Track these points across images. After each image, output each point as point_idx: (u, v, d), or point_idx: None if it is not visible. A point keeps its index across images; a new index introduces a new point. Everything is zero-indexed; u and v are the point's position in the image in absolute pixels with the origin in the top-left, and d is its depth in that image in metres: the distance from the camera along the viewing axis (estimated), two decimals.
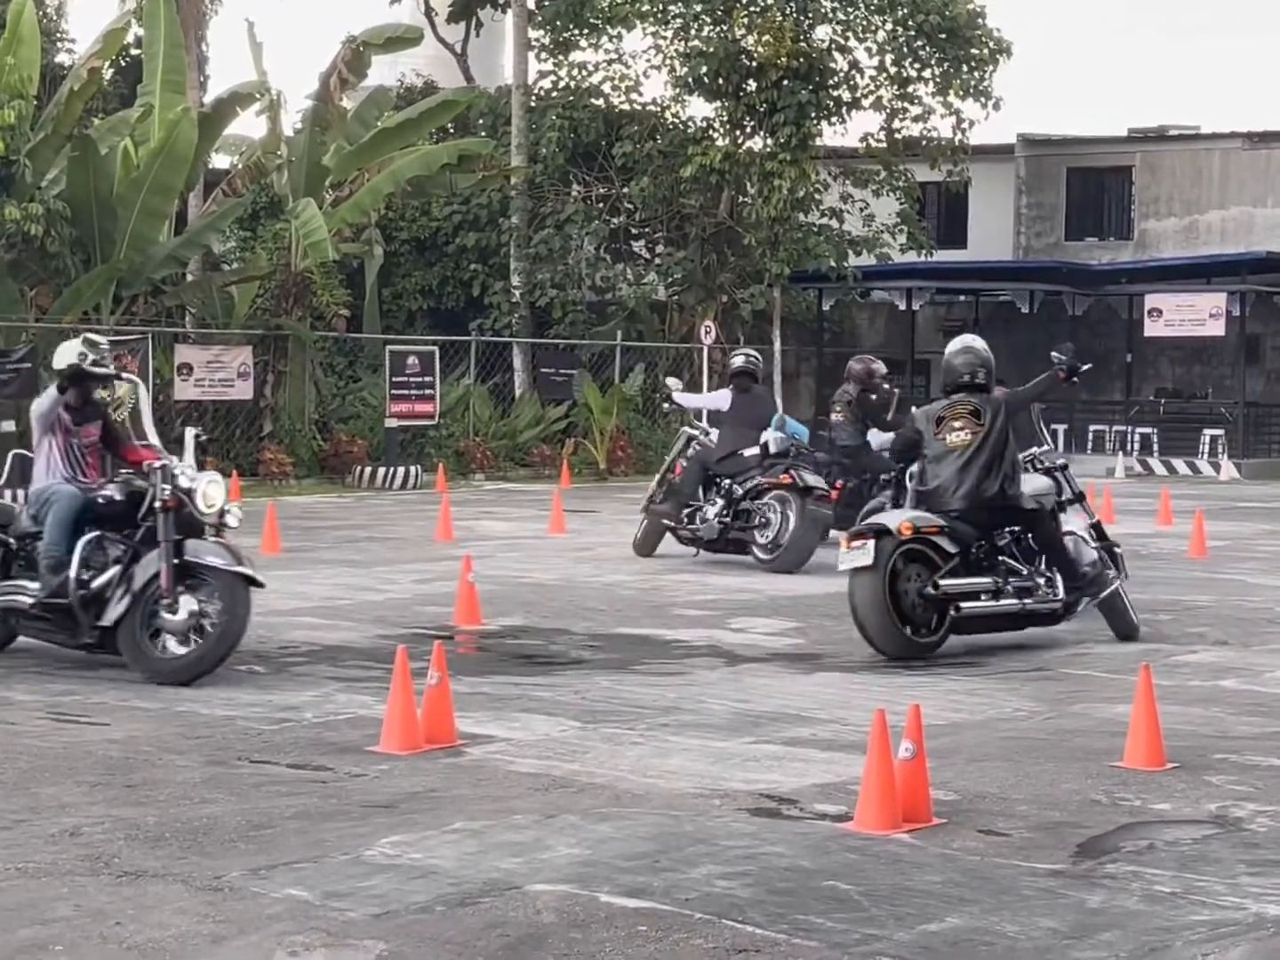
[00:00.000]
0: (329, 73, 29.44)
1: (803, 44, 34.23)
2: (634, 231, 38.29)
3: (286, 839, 7.14)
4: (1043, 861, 6.96)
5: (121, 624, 10.79)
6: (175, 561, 10.75)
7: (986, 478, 12.27)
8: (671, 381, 20.21)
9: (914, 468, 12.73)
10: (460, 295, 37.30)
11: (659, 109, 36.62)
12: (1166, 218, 38.81)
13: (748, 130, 35.17)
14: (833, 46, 35.31)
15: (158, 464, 11.06)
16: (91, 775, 8.22)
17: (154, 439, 11.89)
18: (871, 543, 11.71)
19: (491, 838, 7.19)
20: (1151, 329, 35.94)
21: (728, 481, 17.32)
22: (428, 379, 30.52)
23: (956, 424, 12.41)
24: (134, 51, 33.81)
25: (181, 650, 10.77)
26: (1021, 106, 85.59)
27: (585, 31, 36.59)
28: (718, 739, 9.21)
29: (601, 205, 36.77)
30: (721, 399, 18.25)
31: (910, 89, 36.06)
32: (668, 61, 35.97)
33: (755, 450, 17.25)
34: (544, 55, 36.90)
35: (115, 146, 28.05)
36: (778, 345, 36.32)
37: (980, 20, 35.65)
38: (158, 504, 10.88)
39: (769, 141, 34.56)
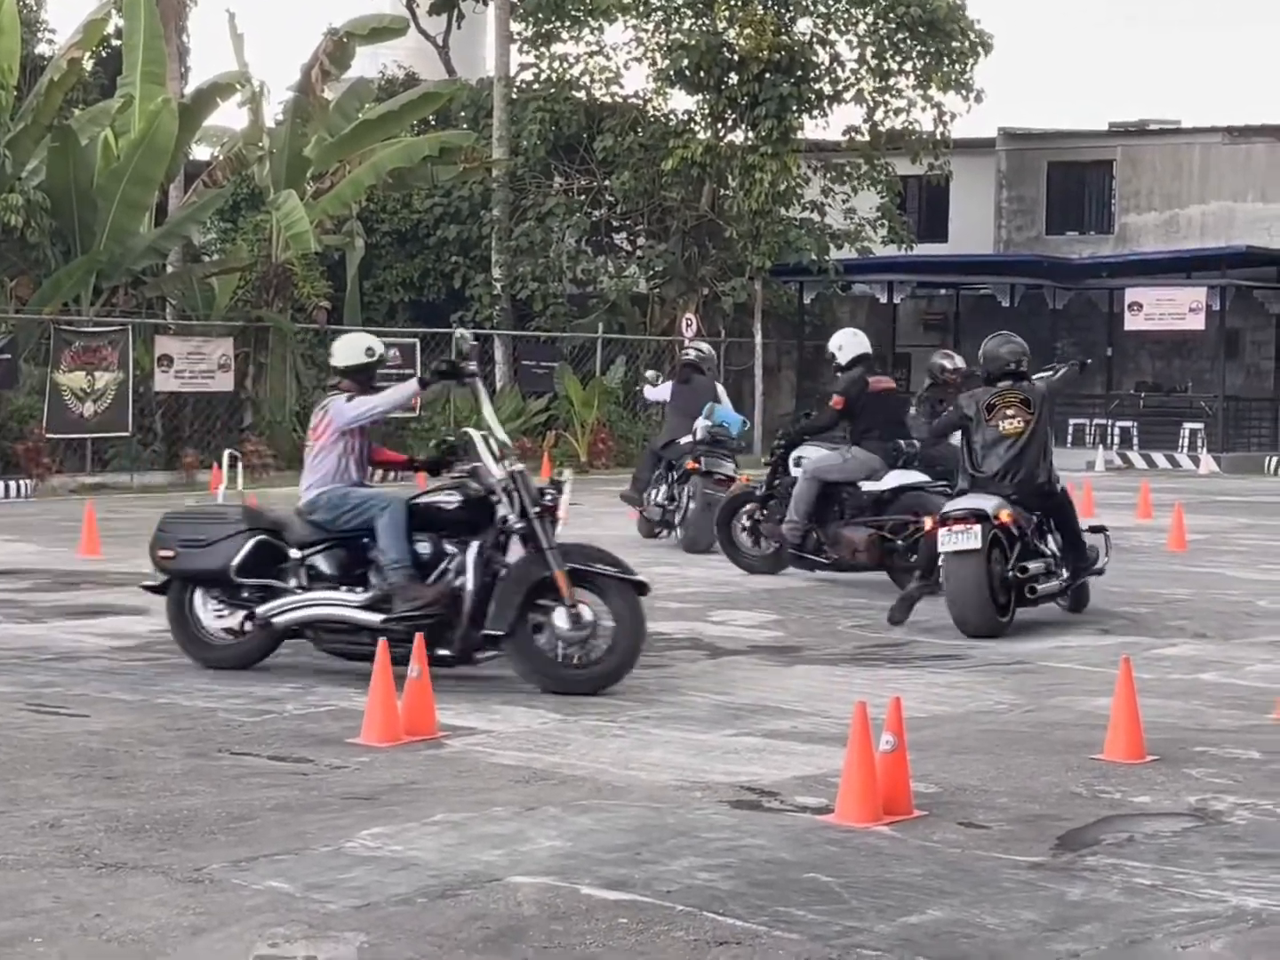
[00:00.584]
0: (310, 64, 29.38)
1: (784, 37, 34.23)
2: (615, 224, 38.28)
3: (267, 831, 7.13)
4: (1023, 854, 6.98)
5: (515, 633, 10.29)
6: (568, 568, 10.33)
7: (1038, 464, 12.99)
8: (650, 374, 20.94)
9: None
10: (441, 287, 37.26)
11: (640, 102, 36.61)
12: (1147, 212, 38.88)
13: (729, 123, 35.17)
14: (814, 39, 35.32)
15: (516, 467, 10.66)
16: (72, 767, 8.20)
17: (501, 435, 11.21)
18: (978, 527, 12.22)
19: (472, 830, 7.19)
20: (1132, 323, 36.02)
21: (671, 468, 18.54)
22: (409, 371, 30.46)
23: (1009, 411, 13.03)
24: (114, 42, 33.71)
25: (575, 657, 10.37)
26: (1002, 100, 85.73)
27: (567, 24, 36.56)
28: (699, 731, 9.21)
29: (583, 198, 36.75)
30: (665, 391, 19.67)
31: (891, 82, 36.07)
32: (649, 54, 35.97)
33: (689, 438, 18.38)
34: (525, 47, 36.87)
35: (95, 137, 27.97)
36: (759, 338, 36.34)
37: (961, 13, 35.67)
38: (534, 509, 10.44)
39: (750, 134, 34.57)
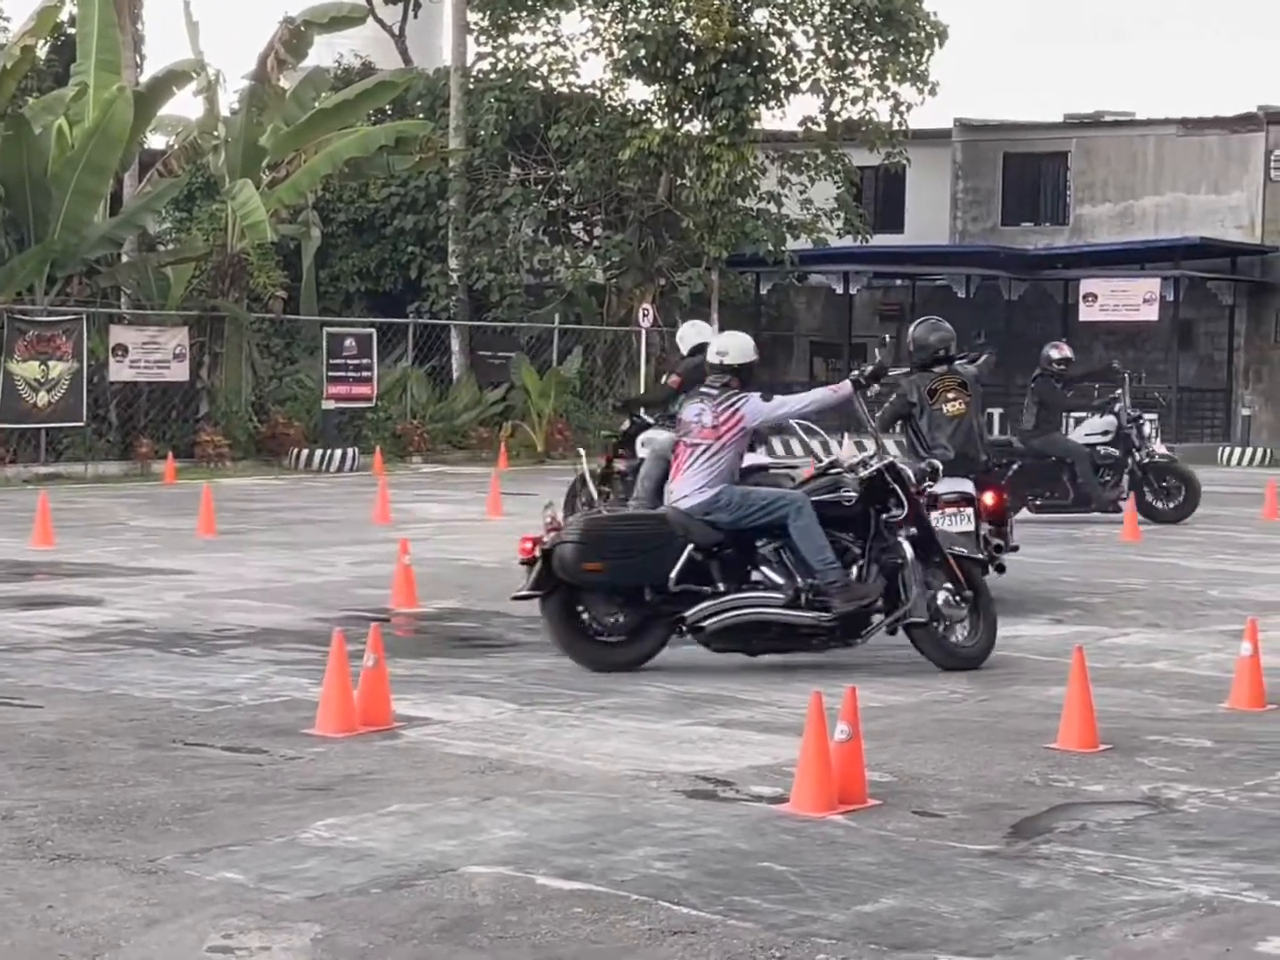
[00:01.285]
0: (266, 53, 29.25)
1: (741, 27, 34.21)
2: (572, 214, 38.23)
3: (221, 822, 7.11)
4: (977, 842, 7.00)
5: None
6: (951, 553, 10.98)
7: (978, 444, 13.59)
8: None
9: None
10: (398, 277, 37.18)
11: (597, 92, 36.56)
12: (1102, 203, 39.01)
13: (686, 113, 35.13)
14: (771, 30, 35.30)
15: (886, 461, 11.06)
16: (25, 758, 8.16)
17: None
18: (969, 510, 12.56)
19: (427, 820, 7.18)
20: (1086, 314, 36.16)
21: None
22: (365, 361, 30.43)
23: (950, 395, 13.47)
24: (69, 30, 33.48)
25: (965, 638, 10.99)
26: (958, 92, 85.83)
27: (523, 14, 36.44)
28: (654, 721, 9.22)
29: (539, 188, 36.69)
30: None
31: (848, 72, 36.09)
32: (606, 44, 35.90)
33: None
34: (482, 37, 36.75)
35: (49, 126, 27.78)
36: (715, 329, 36.28)
37: (917, 4, 35.69)
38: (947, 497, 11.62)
39: (707, 125, 34.55)
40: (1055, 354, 20.96)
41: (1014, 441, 20.64)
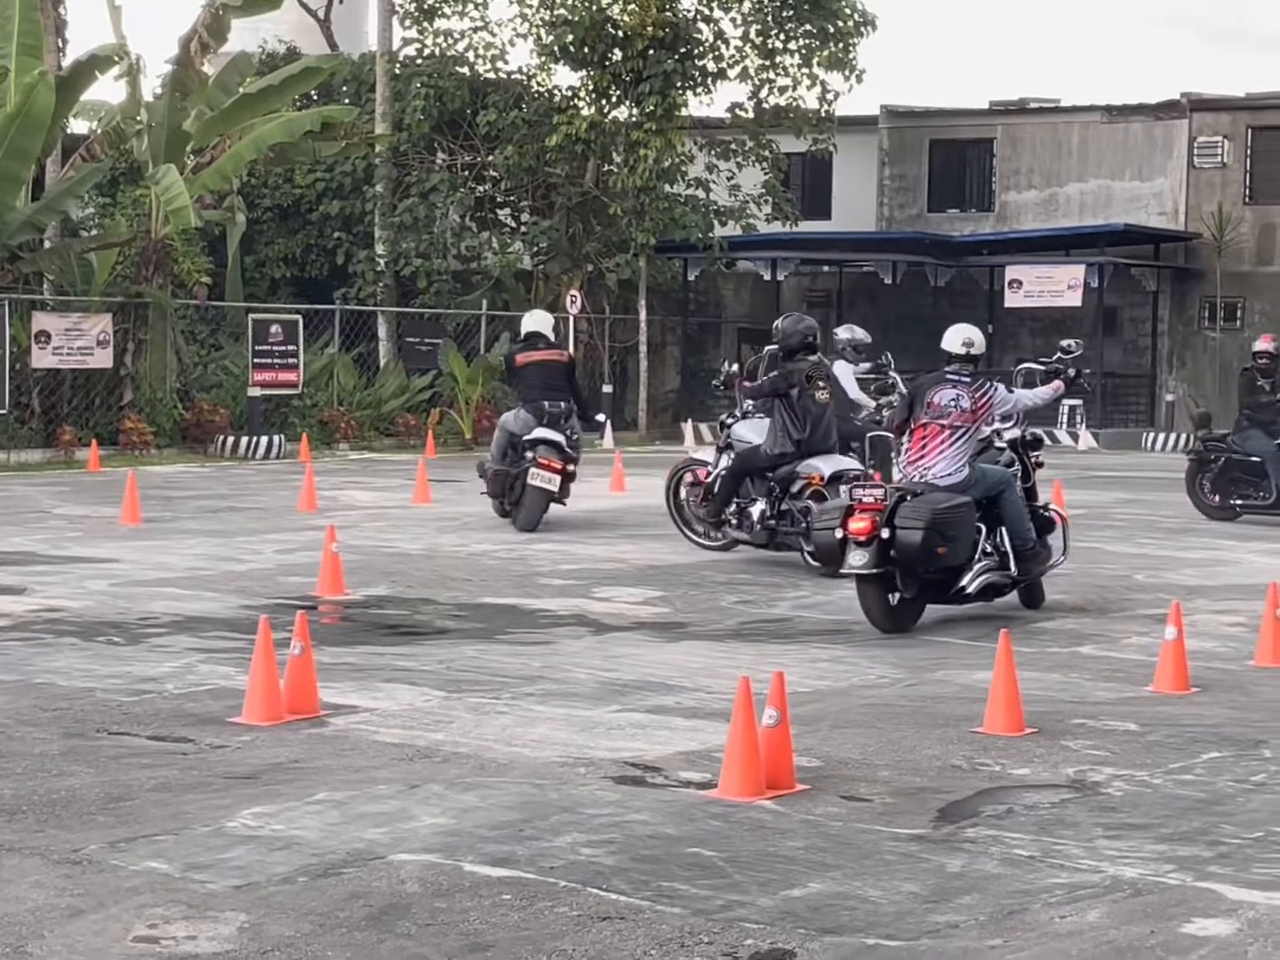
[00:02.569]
0: (189, 36, 29.00)
1: (668, 13, 34.21)
2: (499, 200, 38.15)
3: (146, 811, 7.07)
4: (904, 826, 7.03)
5: None
6: None
7: (834, 429, 15.14)
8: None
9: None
10: (324, 263, 37.01)
11: (525, 78, 36.49)
12: (1027, 190, 39.22)
13: (613, 99, 35.12)
14: (698, 16, 35.32)
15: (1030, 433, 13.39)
16: None
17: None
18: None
19: (355, 808, 7.16)
20: (1012, 300, 36.38)
21: None
22: (291, 348, 30.28)
23: (820, 384, 14.98)
24: None
25: None
26: (885, 78, 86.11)
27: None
28: (583, 708, 9.22)
29: (467, 174, 36.60)
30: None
31: (776, 60, 36.14)
32: (533, 30, 35.84)
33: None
34: (409, 22, 36.61)
35: None
36: (643, 315, 36.34)
37: None
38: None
39: (635, 111, 34.54)
40: (1257, 346, 20.37)
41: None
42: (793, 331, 15.18)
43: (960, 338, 12.82)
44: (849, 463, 15.07)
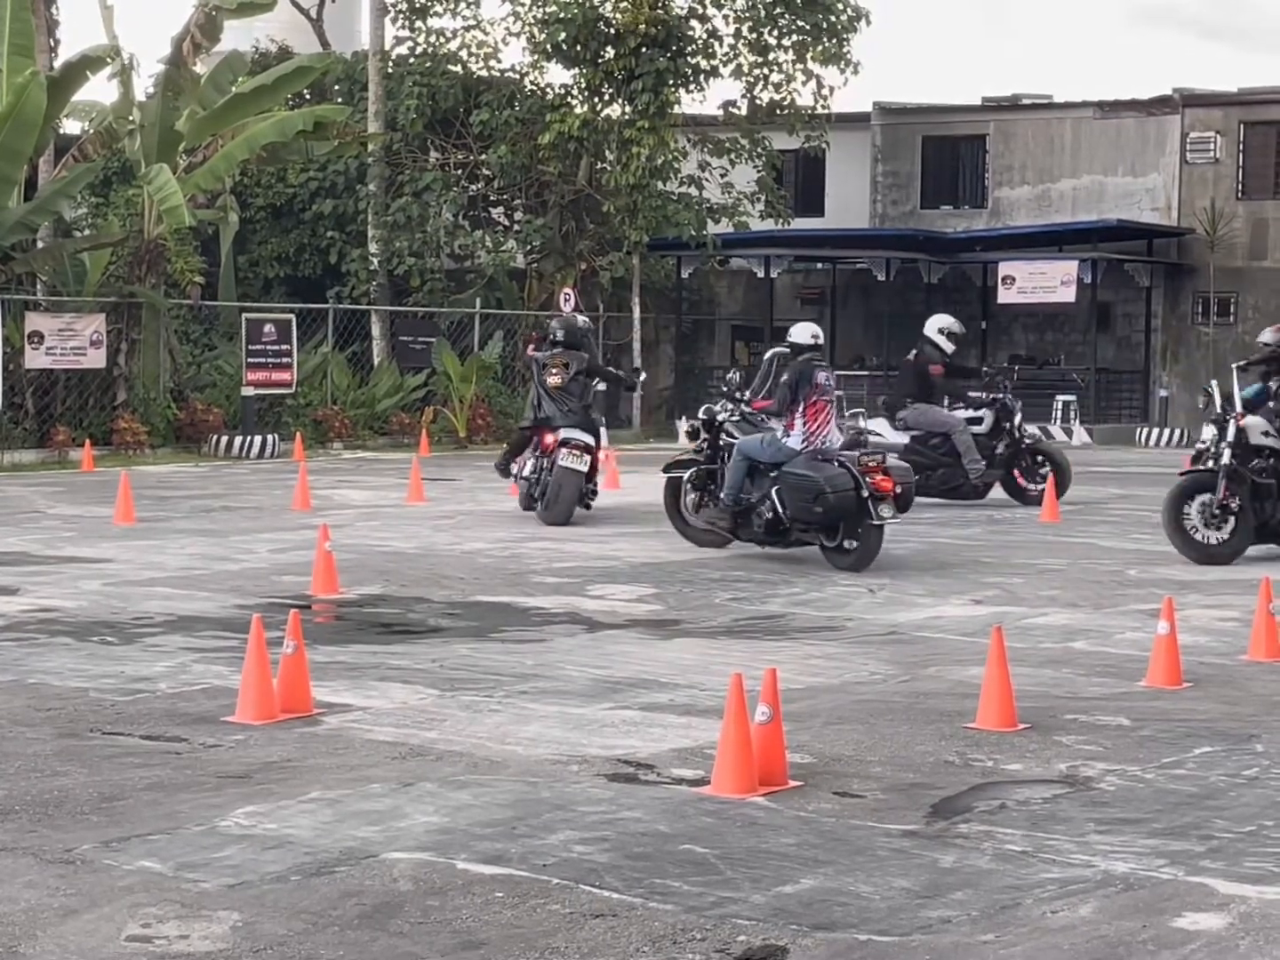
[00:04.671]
0: (181, 36, 29.01)
1: (660, 11, 34.20)
2: (493, 199, 38.15)
3: (139, 811, 7.07)
4: (897, 822, 7.04)
5: None
6: None
7: (564, 407, 18.26)
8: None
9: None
10: (317, 263, 36.99)
11: (517, 76, 36.48)
12: (1020, 186, 39.23)
13: (606, 97, 35.11)
14: (691, 14, 35.31)
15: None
16: None
17: None
18: (588, 457, 18.09)
19: (348, 807, 7.16)
20: (1005, 296, 36.37)
21: None
22: (284, 347, 30.27)
23: (554, 370, 18.31)
24: None
25: None
26: (877, 75, 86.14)
27: None
28: (576, 705, 9.22)
29: (460, 172, 36.59)
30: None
31: (770, 56, 36.13)
32: (526, 28, 35.82)
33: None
34: (401, 21, 36.60)
35: None
36: (637, 313, 36.35)
37: None
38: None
39: (627, 109, 34.53)
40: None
41: None
42: (563, 328, 18.64)
43: (809, 332, 15.42)
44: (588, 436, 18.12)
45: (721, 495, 15.56)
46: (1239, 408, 15.69)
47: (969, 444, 19.84)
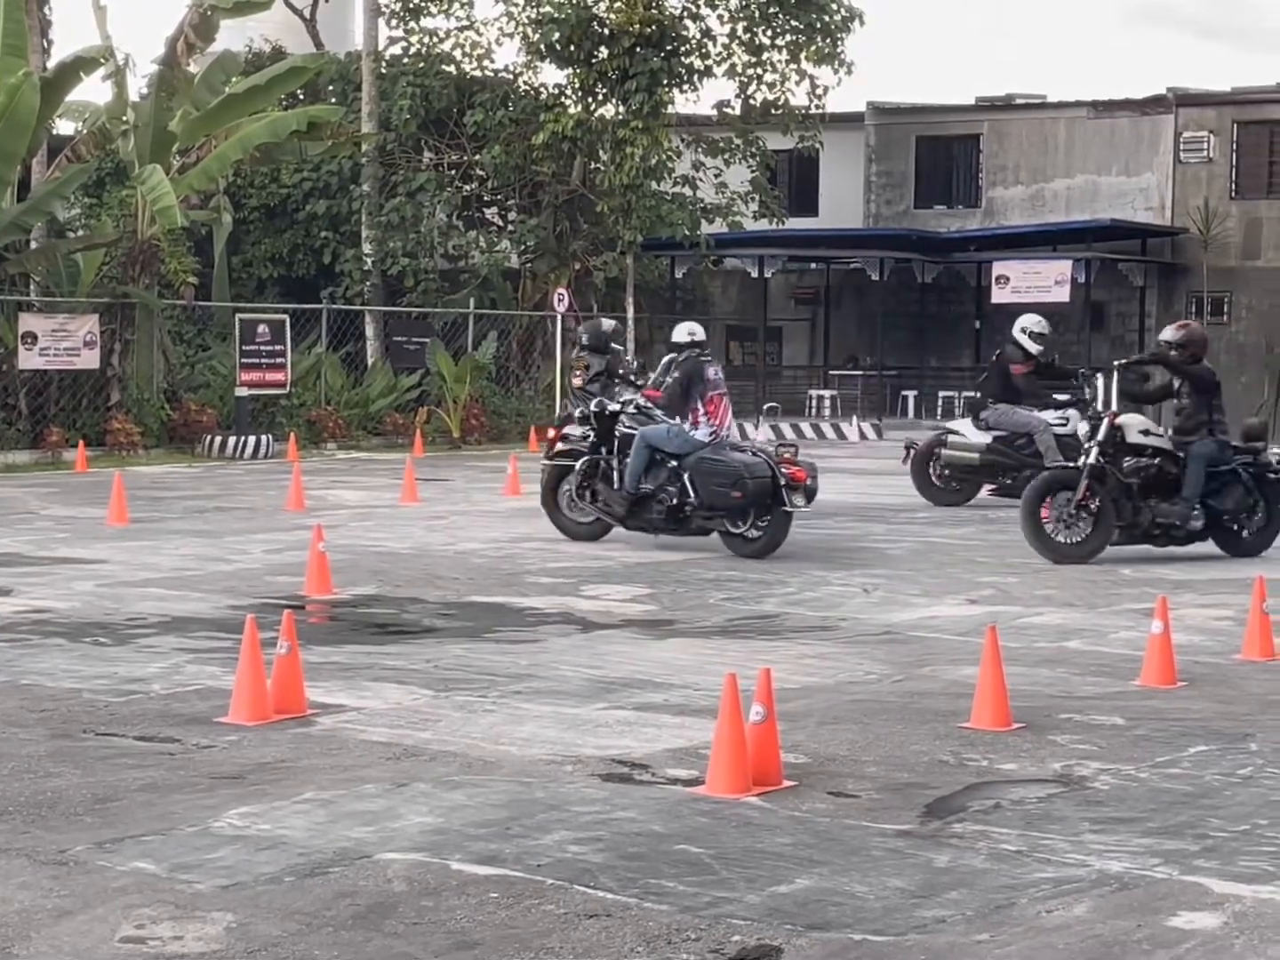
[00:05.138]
0: (175, 37, 28.98)
1: (654, 11, 34.19)
2: (486, 199, 38.14)
3: (133, 812, 7.06)
4: (891, 822, 7.04)
5: None
6: None
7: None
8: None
9: None
10: (311, 263, 36.98)
11: (511, 76, 36.46)
12: (1013, 186, 39.25)
13: (600, 97, 35.10)
14: (685, 14, 35.31)
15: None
16: None
17: None
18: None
19: (342, 807, 7.15)
20: (999, 296, 36.38)
21: None
22: (278, 347, 30.25)
23: (577, 370, 18.17)
24: None
25: None
26: (871, 74, 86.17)
27: None
28: (570, 706, 9.21)
29: (454, 173, 36.57)
30: None
31: (764, 56, 36.13)
32: (519, 28, 35.81)
33: None
34: (394, 21, 36.59)
35: None
36: (631, 313, 36.33)
37: None
38: None
39: (621, 109, 34.52)
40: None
41: None
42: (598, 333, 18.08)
43: (686, 330, 16.21)
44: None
45: (624, 482, 16.08)
46: (1114, 406, 15.75)
47: (1050, 445, 19.44)
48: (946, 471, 20.42)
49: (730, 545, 15.63)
